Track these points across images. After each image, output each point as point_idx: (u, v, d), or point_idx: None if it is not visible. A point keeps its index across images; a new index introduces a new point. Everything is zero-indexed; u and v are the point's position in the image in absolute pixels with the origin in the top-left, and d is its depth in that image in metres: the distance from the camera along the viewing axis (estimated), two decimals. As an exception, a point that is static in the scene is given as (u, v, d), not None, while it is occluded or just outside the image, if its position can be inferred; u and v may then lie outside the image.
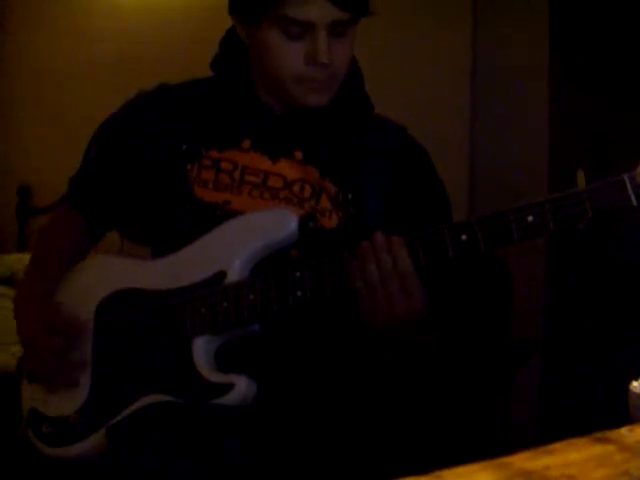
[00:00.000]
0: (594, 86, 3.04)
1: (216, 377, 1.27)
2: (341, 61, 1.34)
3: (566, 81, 3.10)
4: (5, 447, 1.56)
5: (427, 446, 1.76)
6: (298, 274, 1.23)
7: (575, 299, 3.00)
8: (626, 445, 0.78)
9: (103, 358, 1.38)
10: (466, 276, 1.38)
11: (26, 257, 2.92)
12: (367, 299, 1.20)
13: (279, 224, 1.29)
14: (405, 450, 1.52)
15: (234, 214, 1.35)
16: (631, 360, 1.50)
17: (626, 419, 0.90)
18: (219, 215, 1.36)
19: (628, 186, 1.06)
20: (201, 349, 1.29)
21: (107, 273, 1.43)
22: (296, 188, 1.38)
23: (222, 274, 1.29)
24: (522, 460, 0.73)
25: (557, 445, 0.77)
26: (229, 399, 1.25)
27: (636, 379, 0.94)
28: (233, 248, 1.30)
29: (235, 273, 1.29)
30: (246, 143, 1.41)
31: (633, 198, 1.06)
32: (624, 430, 0.83)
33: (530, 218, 1.11)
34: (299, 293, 1.23)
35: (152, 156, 1.44)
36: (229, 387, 1.25)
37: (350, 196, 1.38)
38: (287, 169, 1.39)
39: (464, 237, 1.15)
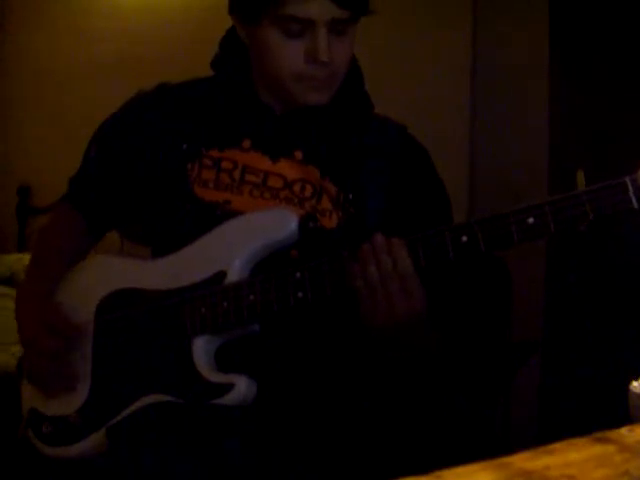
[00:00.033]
0: (594, 86, 3.04)
1: (216, 377, 1.27)
2: (341, 59, 1.34)
3: (566, 80, 3.10)
4: (5, 447, 1.56)
5: (427, 446, 1.76)
6: (298, 274, 1.23)
7: (575, 300, 3.00)
8: (626, 445, 0.78)
9: (103, 358, 1.38)
10: (466, 276, 1.38)
11: (26, 257, 2.93)
12: (367, 299, 1.20)
13: (279, 224, 1.29)
14: (405, 450, 1.52)
15: (234, 214, 1.35)
16: (631, 360, 1.50)
17: (626, 419, 0.90)
18: (219, 215, 1.36)
19: (629, 188, 1.06)
20: (201, 349, 1.29)
21: (107, 273, 1.43)
22: (296, 188, 1.38)
23: (222, 274, 1.29)
24: (522, 460, 0.73)
25: (557, 445, 0.77)
26: (229, 399, 1.25)
27: (636, 379, 0.94)
28: (233, 248, 1.30)
29: (235, 273, 1.29)
30: (246, 143, 1.41)
31: (634, 200, 1.06)
32: (624, 430, 0.83)
33: (531, 220, 1.11)
34: (299, 293, 1.23)
35: (152, 156, 1.44)
36: (229, 387, 1.25)
37: (351, 196, 1.38)
38: (287, 169, 1.39)
39: (464, 238, 1.15)
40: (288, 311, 1.25)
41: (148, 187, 1.44)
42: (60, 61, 3.80)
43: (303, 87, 1.35)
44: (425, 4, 3.24)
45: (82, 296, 1.42)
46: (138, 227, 1.51)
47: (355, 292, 1.20)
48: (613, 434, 0.81)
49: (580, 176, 1.11)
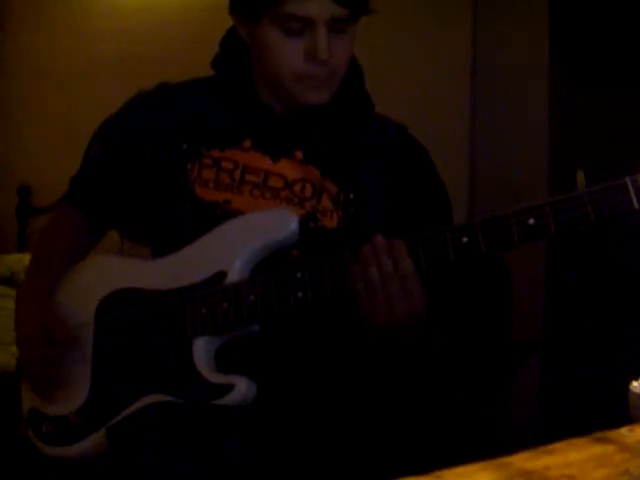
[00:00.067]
0: (594, 86, 3.04)
1: (216, 378, 1.27)
2: (341, 58, 1.34)
3: (566, 80, 3.10)
4: (5, 447, 1.56)
5: (427, 446, 1.77)
6: (299, 275, 1.23)
7: (575, 300, 3.00)
8: (626, 445, 0.78)
9: (103, 358, 1.38)
10: (466, 277, 1.38)
11: (26, 257, 2.93)
12: (367, 300, 1.20)
13: (279, 224, 1.29)
14: (405, 450, 1.52)
15: (234, 214, 1.35)
16: (631, 360, 1.50)
17: (626, 419, 0.90)
18: (219, 215, 1.36)
19: (630, 189, 1.06)
20: (201, 349, 1.29)
21: (107, 273, 1.43)
22: (297, 188, 1.38)
23: (222, 274, 1.29)
24: (522, 460, 0.73)
25: (557, 445, 0.77)
26: (229, 400, 1.25)
27: (636, 379, 0.94)
28: (233, 248, 1.30)
29: (235, 273, 1.29)
30: (247, 143, 1.41)
31: (635, 201, 1.06)
32: (624, 430, 0.83)
33: (531, 221, 1.11)
34: (300, 293, 1.23)
35: (152, 156, 1.44)
36: (229, 388, 1.25)
37: (351, 196, 1.38)
38: (288, 169, 1.39)
39: (465, 239, 1.15)
40: (288, 311, 1.25)
41: (148, 187, 1.44)
42: (60, 61, 3.79)
43: (303, 86, 1.35)
44: (425, 4, 3.24)
45: (82, 296, 1.42)
46: (138, 227, 1.51)
47: (355, 293, 1.20)
48: (613, 434, 0.81)
49: (580, 176, 1.10)
